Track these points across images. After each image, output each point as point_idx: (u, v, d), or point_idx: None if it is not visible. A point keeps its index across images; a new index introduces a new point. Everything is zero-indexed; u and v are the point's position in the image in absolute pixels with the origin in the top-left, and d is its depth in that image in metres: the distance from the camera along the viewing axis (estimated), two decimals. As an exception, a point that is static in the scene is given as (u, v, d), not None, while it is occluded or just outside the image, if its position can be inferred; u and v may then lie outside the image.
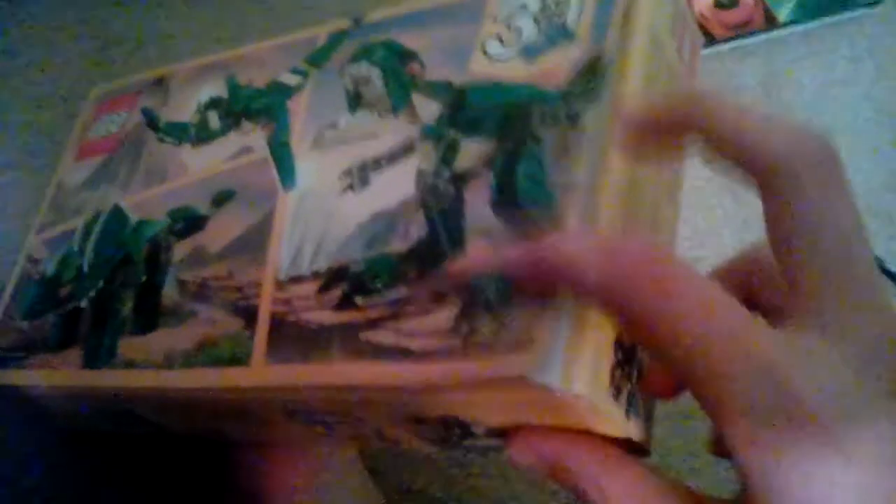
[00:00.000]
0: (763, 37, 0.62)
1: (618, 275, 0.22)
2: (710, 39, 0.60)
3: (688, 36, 0.32)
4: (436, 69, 0.32)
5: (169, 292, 0.34)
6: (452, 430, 0.28)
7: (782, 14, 0.61)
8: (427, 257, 0.28)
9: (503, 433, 0.27)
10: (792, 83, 0.61)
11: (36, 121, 0.52)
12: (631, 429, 0.26)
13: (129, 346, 0.34)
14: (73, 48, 0.55)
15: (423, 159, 0.30)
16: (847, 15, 0.63)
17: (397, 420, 0.29)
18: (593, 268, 0.22)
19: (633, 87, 0.26)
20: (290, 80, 0.36)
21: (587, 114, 0.27)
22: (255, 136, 0.36)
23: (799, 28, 0.62)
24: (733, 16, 0.61)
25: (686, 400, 0.27)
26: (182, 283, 0.34)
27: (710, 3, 0.62)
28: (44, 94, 0.53)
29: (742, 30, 0.61)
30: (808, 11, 0.62)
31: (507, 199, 0.27)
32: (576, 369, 0.23)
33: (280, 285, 0.31)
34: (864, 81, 0.62)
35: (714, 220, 0.53)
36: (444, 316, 0.26)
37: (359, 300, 0.28)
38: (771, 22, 0.61)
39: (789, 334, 0.22)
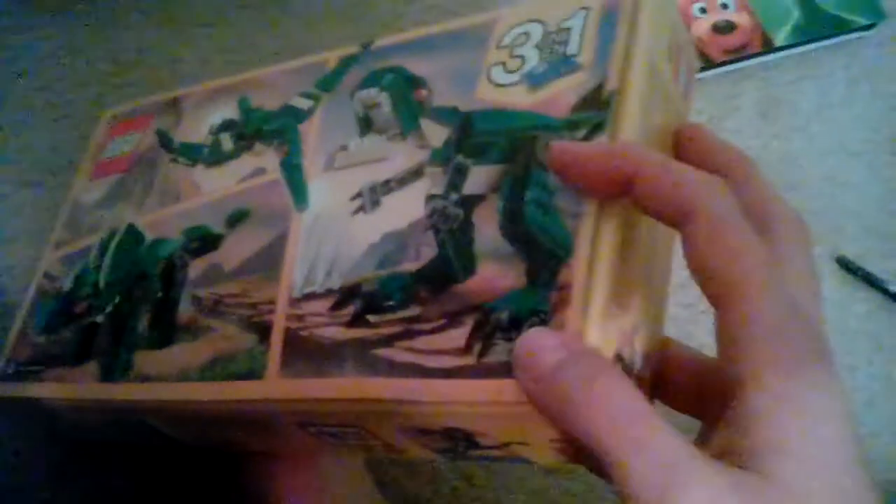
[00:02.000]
0: (760, 60, 0.63)
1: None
2: (709, 63, 0.61)
3: (684, 60, 0.32)
4: (443, 95, 0.33)
5: (184, 308, 0.35)
6: (458, 442, 0.29)
7: (779, 38, 0.62)
8: (438, 277, 0.29)
9: (508, 444, 0.28)
10: (789, 105, 0.62)
11: (51, 141, 0.53)
12: None
13: (144, 360, 0.35)
14: (88, 70, 0.56)
15: (432, 182, 0.31)
16: (843, 38, 0.64)
17: (404, 431, 0.29)
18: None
19: (631, 115, 0.27)
20: (302, 104, 0.37)
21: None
22: (267, 158, 0.36)
23: (796, 51, 0.63)
24: (731, 40, 0.62)
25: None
26: (197, 300, 0.35)
27: (709, 28, 0.63)
28: (59, 115, 0.54)
29: (740, 53, 0.62)
30: (804, 35, 0.63)
31: (514, 224, 0.28)
32: None
33: (294, 302, 0.31)
34: (860, 103, 0.63)
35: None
36: (456, 335, 0.27)
37: (371, 318, 0.29)
38: (768, 45, 0.62)
39: None
